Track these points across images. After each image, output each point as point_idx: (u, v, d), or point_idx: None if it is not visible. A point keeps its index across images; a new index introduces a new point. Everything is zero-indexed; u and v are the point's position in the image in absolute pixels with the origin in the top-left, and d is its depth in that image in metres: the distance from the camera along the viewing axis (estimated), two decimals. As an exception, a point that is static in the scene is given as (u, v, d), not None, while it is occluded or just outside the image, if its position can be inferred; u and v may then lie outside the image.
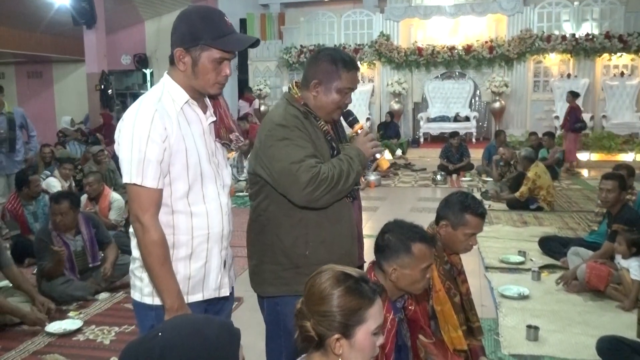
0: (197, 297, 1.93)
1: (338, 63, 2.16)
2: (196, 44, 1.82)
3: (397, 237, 2.12)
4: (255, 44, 1.91)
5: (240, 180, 8.92)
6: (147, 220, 1.79)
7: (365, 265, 2.37)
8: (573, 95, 11.13)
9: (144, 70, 16.53)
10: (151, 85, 16.37)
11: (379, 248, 2.18)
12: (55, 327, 3.88)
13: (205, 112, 1.95)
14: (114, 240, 4.92)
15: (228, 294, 2.05)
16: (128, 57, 16.26)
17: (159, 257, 1.80)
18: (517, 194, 7.30)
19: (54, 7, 12.47)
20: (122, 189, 7.86)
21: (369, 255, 2.38)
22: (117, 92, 15.65)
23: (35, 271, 4.80)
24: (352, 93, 2.27)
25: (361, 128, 2.27)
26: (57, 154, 8.86)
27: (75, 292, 4.41)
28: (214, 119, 1.98)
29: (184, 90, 1.88)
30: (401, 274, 2.10)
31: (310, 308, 1.51)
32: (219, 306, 2.05)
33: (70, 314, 4.19)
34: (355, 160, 2.13)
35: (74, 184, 7.25)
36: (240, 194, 8.38)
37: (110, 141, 9.76)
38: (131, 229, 1.90)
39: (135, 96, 17.08)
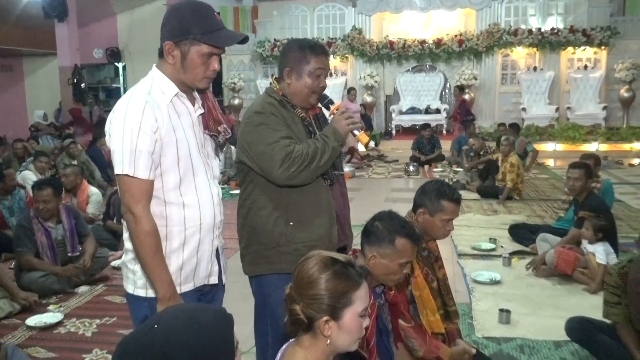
0: (189, 287, 1.94)
1: (305, 49, 2.23)
2: (185, 37, 1.82)
3: (385, 226, 2.16)
4: (244, 40, 1.93)
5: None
6: (139, 211, 1.79)
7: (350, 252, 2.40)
8: (460, 89, 11.44)
9: (116, 64, 16.25)
10: (124, 79, 16.20)
11: (366, 232, 2.21)
12: (35, 320, 3.83)
13: (194, 105, 1.96)
14: (92, 234, 4.88)
15: (217, 282, 2.06)
16: (100, 50, 15.96)
17: (151, 247, 1.80)
18: (508, 183, 7.31)
19: (24, 0, 12.19)
20: (97, 180, 7.80)
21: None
22: (90, 86, 15.39)
23: (12, 265, 4.73)
24: (326, 88, 2.32)
25: (337, 108, 2.31)
26: (30, 149, 8.69)
27: (54, 286, 4.36)
28: (203, 111, 1.98)
29: (173, 83, 1.88)
30: (379, 262, 2.14)
31: (300, 292, 1.53)
32: (211, 295, 2.06)
33: (50, 307, 4.13)
34: (331, 138, 2.17)
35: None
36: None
37: (81, 134, 9.60)
38: (125, 224, 1.90)
39: (107, 90, 16.86)
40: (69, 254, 4.55)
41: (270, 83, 2.36)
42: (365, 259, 2.17)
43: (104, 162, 8.23)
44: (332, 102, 2.36)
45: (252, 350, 2.70)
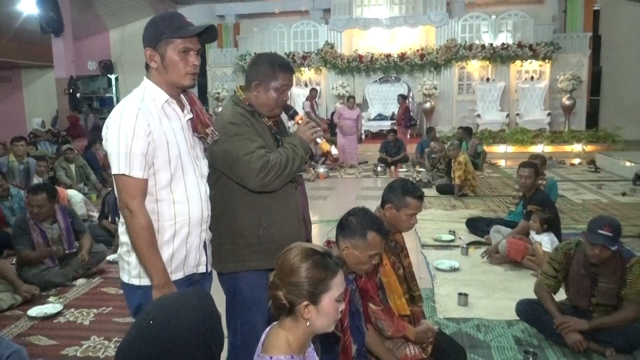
0: (179, 275, 1.94)
1: (275, 65, 2.20)
2: (160, 39, 1.83)
3: (358, 221, 2.18)
4: (211, 30, 1.89)
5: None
6: (135, 207, 1.79)
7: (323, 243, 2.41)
8: (403, 97, 11.63)
9: (109, 75, 15.98)
10: (116, 89, 15.96)
11: (341, 226, 2.23)
12: (36, 311, 3.77)
13: (183, 110, 1.95)
14: (88, 231, 4.81)
15: (205, 271, 2.05)
16: (94, 63, 15.69)
17: (146, 239, 1.80)
18: (456, 180, 7.42)
19: (22, 16, 11.89)
20: (93, 182, 7.67)
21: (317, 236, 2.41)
22: (84, 96, 15.08)
23: (14, 261, 4.63)
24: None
25: (301, 119, 2.29)
26: (34, 153, 8.50)
27: (54, 279, 4.28)
28: (191, 115, 1.98)
29: (162, 91, 1.87)
30: (351, 253, 2.16)
31: (282, 279, 1.54)
32: (200, 283, 2.06)
33: (50, 299, 4.06)
34: (299, 147, 2.17)
35: (47, 181, 7.00)
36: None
37: (76, 138, 9.43)
38: (121, 219, 1.89)
39: (101, 99, 16.55)
40: (66, 251, 4.47)
41: (235, 92, 2.31)
42: (339, 250, 2.19)
43: (99, 166, 8.10)
44: (296, 113, 2.34)
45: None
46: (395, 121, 12.17)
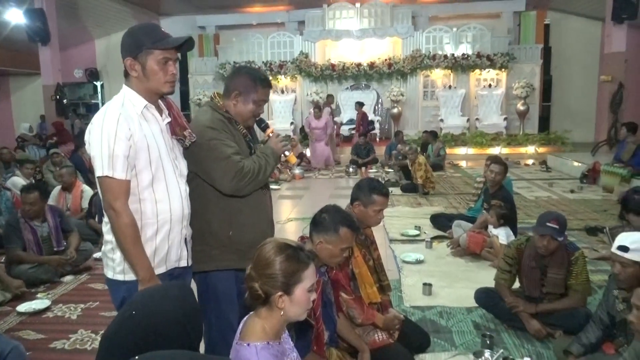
0: (161, 270, 1.93)
1: (257, 80, 2.20)
2: (140, 50, 1.82)
3: (331, 217, 2.21)
4: (189, 41, 1.90)
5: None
6: (119, 207, 1.77)
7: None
8: (360, 105, 11.78)
9: (94, 82, 15.67)
10: (102, 96, 15.67)
11: (314, 222, 2.25)
12: (25, 307, 3.68)
13: (161, 115, 1.94)
14: (76, 229, 4.72)
15: (186, 265, 2.05)
16: (80, 70, 15.38)
17: (131, 237, 1.79)
18: (418, 180, 7.51)
19: (10, 25, 11.58)
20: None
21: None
22: (71, 102, 14.77)
23: (3, 260, 4.52)
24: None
25: (272, 132, 2.31)
26: (17, 157, 8.29)
27: (42, 275, 4.19)
28: (169, 119, 1.97)
29: (141, 97, 1.86)
30: (324, 247, 2.19)
31: (258, 272, 1.55)
32: (182, 277, 2.05)
33: (39, 295, 3.98)
34: (270, 157, 2.19)
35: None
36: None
37: (63, 144, 9.20)
38: (105, 219, 1.87)
39: (87, 106, 16.24)
40: (55, 249, 4.39)
41: (212, 98, 2.29)
42: (313, 244, 2.21)
43: (85, 168, 7.95)
44: (267, 126, 2.34)
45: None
46: (353, 127, 12.26)
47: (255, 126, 2.38)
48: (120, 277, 1.89)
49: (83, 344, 3.16)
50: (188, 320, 1.24)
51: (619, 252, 2.37)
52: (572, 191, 7.75)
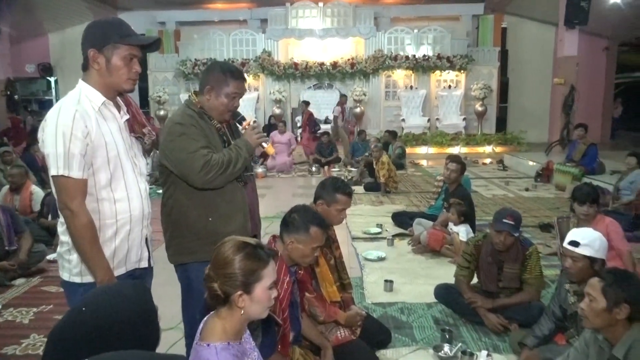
0: (121, 271, 1.88)
1: (227, 73, 2.20)
2: (107, 42, 1.77)
3: (301, 217, 2.21)
4: (157, 42, 1.89)
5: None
6: (76, 207, 1.71)
7: (266, 238, 2.42)
8: (306, 104, 11.95)
9: (48, 78, 15.08)
10: (56, 92, 15.08)
11: (285, 223, 2.25)
12: (-27, 312, 3.52)
13: (119, 112, 1.89)
14: (29, 230, 4.53)
15: (147, 266, 2.00)
16: (32, 66, 14.75)
17: (89, 238, 1.73)
18: (381, 179, 7.60)
19: (-45, 17, 11.01)
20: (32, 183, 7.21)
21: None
22: (23, 98, 14.16)
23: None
24: (241, 100, 2.31)
25: (248, 124, 2.30)
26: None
27: (-9, 280, 4.01)
28: (128, 116, 1.92)
29: (99, 93, 1.80)
30: (296, 247, 2.19)
31: (217, 272, 1.53)
32: (142, 279, 1.98)
33: (-12, 299, 3.81)
34: (243, 149, 2.18)
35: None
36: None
37: (17, 142, 8.85)
38: (61, 219, 1.80)
39: (40, 102, 15.57)
40: (6, 248, 4.21)
41: (189, 96, 2.30)
42: (284, 245, 2.22)
43: (38, 167, 7.66)
44: (244, 119, 2.33)
45: (179, 326, 2.64)
46: (298, 126, 12.26)
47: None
48: (77, 280, 1.83)
49: (35, 349, 3.04)
50: (141, 322, 1.20)
51: (569, 247, 2.46)
52: (527, 189, 8.02)
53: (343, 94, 12.48)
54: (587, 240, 2.43)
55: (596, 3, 10.41)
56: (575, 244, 2.45)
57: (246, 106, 13.09)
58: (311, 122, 11.62)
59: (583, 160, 7.88)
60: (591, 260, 2.43)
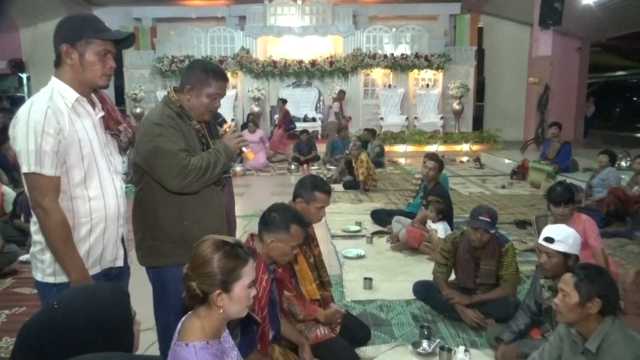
0: (96, 270, 1.84)
1: (209, 73, 2.14)
2: (81, 38, 1.73)
3: (281, 216, 2.20)
4: (131, 37, 1.86)
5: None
6: (48, 205, 1.68)
7: (244, 237, 2.40)
8: (282, 102, 12.00)
9: (19, 74, 14.71)
10: (28, 89, 14.73)
11: (264, 222, 2.23)
12: (-59, 315, 3.41)
13: (94, 108, 1.86)
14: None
15: (122, 265, 1.97)
16: (3, 62, 14.37)
17: (61, 236, 1.70)
18: (360, 177, 7.63)
19: None
20: (4, 182, 7.03)
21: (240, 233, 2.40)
22: (-7, 95, 13.83)
23: None
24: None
25: (229, 127, 2.26)
26: None
27: (-39, 282, 3.89)
28: (103, 113, 1.89)
29: (72, 89, 1.77)
30: (276, 245, 2.18)
31: (195, 271, 1.52)
32: (118, 278, 1.96)
33: (-43, 302, 3.69)
34: (222, 153, 2.13)
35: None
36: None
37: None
38: (34, 218, 1.76)
39: (11, 99, 15.20)
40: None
41: (168, 92, 2.23)
42: (264, 243, 2.20)
43: (9, 166, 7.46)
44: (224, 122, 2.29)
45: (154, 328, 2.60)
46: (274, 124, 12.26)
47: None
48: (50, 280, 1.79)
49: (8, 353, 2.96)
50: (115, 324, 1.18)
51: (544, 243, 2.51)
52: (503, 187, 8.15)
53: (341, 89, 12.43)
54: (562, 236, 2.49)
55: (569, 4, 10.64)
56: (550, 240, 2.50)
57: (224, 104, 12.97)
58: (286, 120, 11.60)
59: (557, 158, 8.05)
60: (565, 256, 2.48)
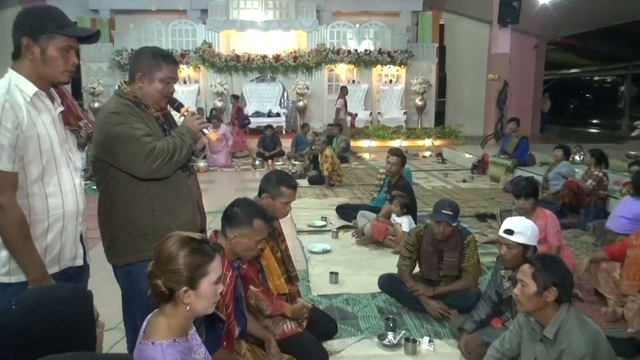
0: (54, 270, 1.79)
1: (158, 57, 2.09)
2: (43, 32, 1.67)
3: (243, 211, 2.18)
4: (96, 33, 1.81)
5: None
6: (5, 201, 1.61)
7: (209, 233, 2.37)
8: (235, 98, 12.04)
9: (-31, 66, 14.02)
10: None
11: (226, 217, 2.21)
12: None
13: (53, 103, 1.79)
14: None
15: (82, 264, 1.92)
16: (-50, 53, 13.67)
17: (19, 234, 1.64)
18: (324, 172, 7.66)
19: None
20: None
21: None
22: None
23: None
24: (181, 92, 2.22)
25: (187, 110, 2.21)
26: None
27: None
28: (62, 108, 1.83)
29: (31, 83, 1.70)
30: (239, 241, 2.16)
31: (161, 268, 1.49)
32: (77, 277, 1.91)
33: None
34: (186, 135, 2.08)
35: None
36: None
37: None
38: None
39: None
40: None
41: (119, 86, 2.17)
42: (227, 240, 2.18)
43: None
44: (182, 105, 2.24)
45: (119, 326, 2.56)
46: (232, 121, 12.18)
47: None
48: (5, 279, 1.72)
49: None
50: (77, 326, 1.14)
51: (505, 235, 2.60)
52: (464, 181, 8.35)
53: (344, 85, 12.31)
54: (521, 228, 2.58)
55: (527, 4, 10.98)
56: (509, 232, 2.58)
57: (186, 99, 12.76)
58: (240, 117, 11.50)
59: (515, 152, 8.30)
60: (524, 247, 2.57)
